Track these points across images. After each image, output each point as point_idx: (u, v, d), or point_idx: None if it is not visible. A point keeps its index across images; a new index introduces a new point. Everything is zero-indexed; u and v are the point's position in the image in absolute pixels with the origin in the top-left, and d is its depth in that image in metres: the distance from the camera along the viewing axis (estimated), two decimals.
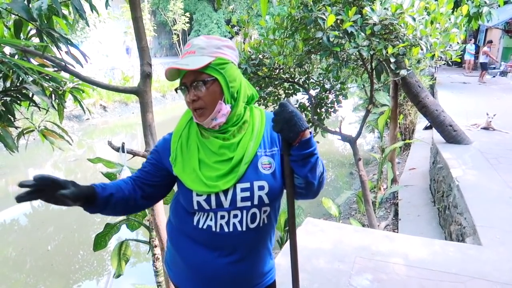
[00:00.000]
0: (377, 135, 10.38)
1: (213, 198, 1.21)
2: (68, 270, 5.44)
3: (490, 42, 15.02)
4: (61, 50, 2.49)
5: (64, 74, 2.72)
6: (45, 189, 1.08)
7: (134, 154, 2.85)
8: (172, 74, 1.22)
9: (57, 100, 2.94)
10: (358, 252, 2.87)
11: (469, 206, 3.54)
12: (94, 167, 9.44)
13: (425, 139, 7.64)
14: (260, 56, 4.47)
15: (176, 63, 1.18)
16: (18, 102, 2.64)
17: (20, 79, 2.60)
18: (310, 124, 4.85)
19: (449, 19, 3.61)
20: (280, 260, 2.74)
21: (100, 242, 3.15)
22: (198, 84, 1.19)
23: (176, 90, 1.26)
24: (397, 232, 4.75)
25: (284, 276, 2.54)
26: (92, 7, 2.75)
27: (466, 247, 3.01)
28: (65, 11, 2.80)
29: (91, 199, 1.18)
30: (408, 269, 2.65)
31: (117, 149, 2.79)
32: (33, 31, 2.49)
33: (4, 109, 2.42)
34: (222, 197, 1.21)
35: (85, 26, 13.70)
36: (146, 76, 2.74)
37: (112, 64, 18.23)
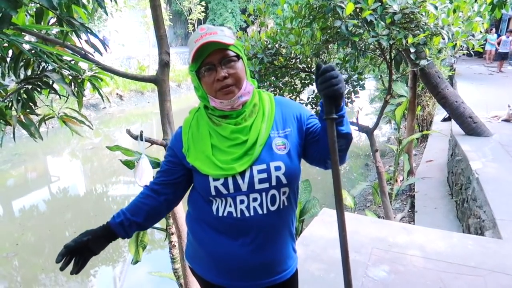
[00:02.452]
0: (393, 126, 10.25)
1: (230, 181, 1.21)
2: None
3: (511, 31, 14.61)
4: (81, 39, 2.51)
5: (82, 63, 2.75)
6: (73, 253, 1.26)
7: (152, 142, 2.87)
8: (200, 53, 1.19)
9: (76, 88, 2.98)
10: (375, 243, 2.86)
11: (489, 199, 3.48)
12: (110, 155, 9.58)
13: (443, 131, 7.51)
14: (277, 45, 4.43)
15: (206, 39, 1.16)
16: (39, 90, 2.67)
17: (41, 67, 2.64)
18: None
19: (472, 8, 3.51)
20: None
21: None
22: (230, 60, 1.20)
23: (196, 71, 1.23)
24: (413, 224, 4.71)
25: (300, 265, 2.54)
26: None
27: (486, 240, 2.96)
28: (84, 0, 2.81)
29: (111, 235, 1.32)
30: (425, 261, 2.63)
31: (135, 137, 2.82)
32: (53, 20, 2.52)
33: (26, 97, 2.46)
34: (240, 180, 1.21)
35: (102, 15, 13.77)
36: (164, 65, 2.74)
37: (128, 54, 18.35)
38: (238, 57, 1.22)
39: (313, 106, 4.97)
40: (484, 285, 2.36)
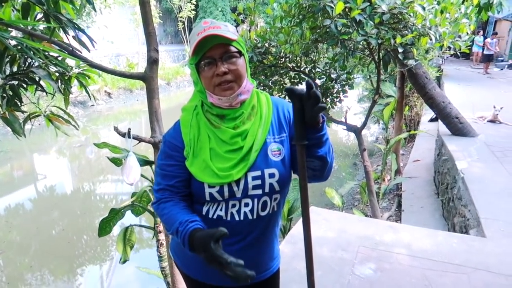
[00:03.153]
0: (381, 126, 10.33)
1: (225, 188, 1.19)
2: (72, 255, 5.49)
3: (495, 34, 14.92)
4: (69, 35, 2.48)
5: (70, 60, 2.72)
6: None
7: (140, 140, 2.85)
8: (201, 46, 1.15)
9: (63, 85, 2.94)
10: (362, 242, 2.88)
11: (473, 198, 3.54)
12: (98, 153, 9.49)
13: (430, 131, 7.60)
14: (266, 44, 4.43)
15: (209, 32, 1.13)
16: (25, 86, 2.64)
17: (27, 63, 2.60)
18: None
19: (459, 9, 3.56)
20: (283, 248, 2.76)
21: (105, 227, 3.17)
22: (232, 56, 1.16)
23: (196, 65, 1.19)
24: (400, 223, 4.76)
25: (287, 263, 2.57)
26: None
27: (470, 238, 3.01)
28: None
29: None
30: (411, 259, 2.66)
31: (123, 135, 2.79)
32: (40, 16, 2.49)
33: (11, 93, 2.42)
34: (235, 187, 1.20)
35: (90, 11, 13.62)
36: (152, 62, 2.72)
37: (117, 51, 18.19)
38: (240, 53, 1.19)
39: None
40: (468, 282, 2.40)
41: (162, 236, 3.31)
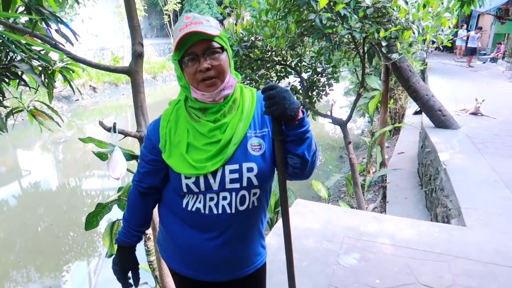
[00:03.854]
0: (367, 119, 10.45)
1: (201, 180, 1.21)
2: (60, 250, 5.45)
3: (480, 28, 15.18)
4: (51, 28, 2.45)
5: (53, 54, 2.68)
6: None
7: (126, 134, 2.84)
8: (183, 42, 1.16)
9: (46, 80, 2.91)
10: (347, 232, 2.94)
11: (455, 189, 3.63)
12: (84, 148, 9.38)
13: (415, 124, 7.72)
14: (252, 38, 4.43)
15: (189, 29, 1.14)
16: (7, 80, 2.60)
17: (9, 57, 2.57)
18: (302, 107, 4.86)
19: (442, 3, 3.62)
20: (270, 240, 2.80)
21: (92, 221, 3.16)
22: (214, 52, 1.17)
23: (179, 60, 1.20)
24: (385, 214, 4.85)
25: (274, 255, 2.60)
26: None
27: (451, 228, 3.10)
28: None
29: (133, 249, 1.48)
30: (394, 248, 2.73)
31: (108, 129, 2.78)
32: (22, 8, 2.45)
33: None
34: (211, 179, 1.21)
35: (73, 3, 13.37)
36: (137, 56, 2.71)
37: (102, 44, 17.93)
38: (223, 49, 1.20)
39: None
40: (449, 270, 2.48)
41: (149, 230, 3.31)
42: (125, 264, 1.45)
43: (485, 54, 16.36)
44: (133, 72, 2.74)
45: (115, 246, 3.35)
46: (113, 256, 1.48)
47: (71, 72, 3.05)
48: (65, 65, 2.99)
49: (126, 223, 1.42)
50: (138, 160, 1.39)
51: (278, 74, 5.07)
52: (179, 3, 20.60)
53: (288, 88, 1.17)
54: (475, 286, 2.33)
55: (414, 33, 3.41)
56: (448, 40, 3.74)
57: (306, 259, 2.60)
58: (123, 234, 1.42)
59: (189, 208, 1.26)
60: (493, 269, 2.49)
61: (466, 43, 15.03)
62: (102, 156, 3.03)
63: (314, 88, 4.95)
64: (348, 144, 4.56)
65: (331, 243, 2.79)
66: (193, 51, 1.17)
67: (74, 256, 5.41)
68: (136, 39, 2.69)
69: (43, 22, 2.36)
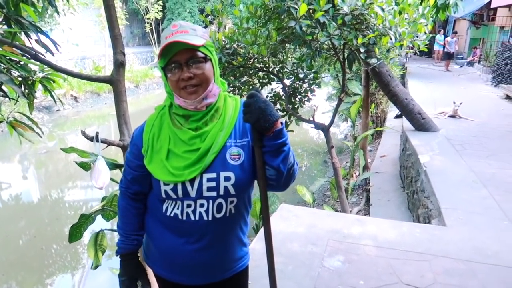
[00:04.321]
0: (350, 123, 10.60)
1: (179, 187, 1.23)
2: (42, 264, 5.35)
3: (455, 33, 15.64)
4: (31, 38, 2.44)
5: (32, 64, 2.67)
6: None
7: (109, 143, 2.83)
8: (167, 50, 1.19)
9: (26, 90, 2.88)
10: (331, 235, 2.98)
11: (435, 190, 3.71)
12: (66, 159, 9.24)
13: (396, 127, 7.87)
14: (235, 45, 4.48)
15: (174, 38, 1.16)
16: None
17: None
18: (285, 113, 4.92)
19: (417, 10, 3.73)
20: (255, 245, 2.82)
21: (75, 233, 3.12)
22: (197, 61, 1.20)
23: (164, 68, 1.22)
24: (369, 217, 4.92)
25: (259, 260, 2.62)
26: None
27: (432, 228, 3.17)
28: None
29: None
30: (377, 250, 2.78)
31: (90, 139, 2.77)
32: (0, 19, 2.43)
33: None
34: (189, 187, 1.23)
35: (53, 13, 13.23)
36: (119, 65, 2.72)
37: (83, 54, 17.75)
38: (207, 58, 1.22)
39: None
40: (430, 269, 2.54)
41: None
42: (131, 272, 1.41)
43: (462, 58, 16.81)
44: (115, 81, 2.75)
45: (100, 257, 3.33)
46: (118, 270, 1.43)
47: (51, 82, 3.03)
48: (46, 75, 2.97)
49: (122, 231, 1.40)
50: (124, 167, 1.40)
51: (261, 80, 5.12)
52: (160, 11, 20.60)
53: (267, 99, 1.20)
54: (455, 284, 2.40)
55: (391, 39, 3.50)
56: (425, 45, 3.86)
57: (291, 263, 2.62)
58: (122, 242, 1.39)
59: (168, 214, 1.29)
60: (472, 266, 2.56)
61: (444, 47, 15.43)
62: (85, 166, 3.01)
63: (297, 94, 5.01)
64: (330, 148, 4.62)
65: (316, 246, 2.82)
66: (176, 59, 1.19)
67: (58, 269, 5.31)
68: (117, 48, 2.70)
69: (22, 32, 2.35)
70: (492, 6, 14.57)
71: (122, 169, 2.81)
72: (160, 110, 1.32)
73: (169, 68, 1.21)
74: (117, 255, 1.41)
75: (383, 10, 3.32)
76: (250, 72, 4.89)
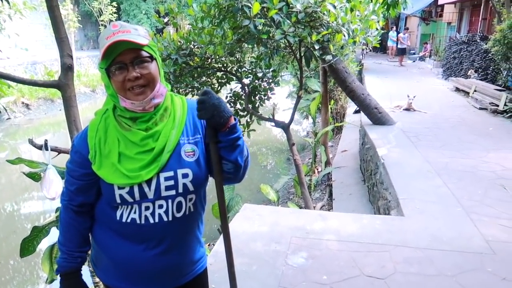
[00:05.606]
0: (311, 120, 10.76)
1: (136, 189, 1.19)
2: None
3: (407, 29, 16.31)
4: None
5: None
6: None
7: (59, 151, 2.71)
8: (111, 50, 1.14)
9: None
10: (294, 233, 2.99)
11: (393, 181, 3.83)
12: (19, 170, 8.77)
13: (355, 122, 8.06)
14: (191, 45, 4.41)
15: (117, 38, 1.12)
16: None
17: None
18: (245, 112, 4.91)
19: (368, 7, 3.82)
20: (218, 247, 2.78)
21: (27, 247, 2.96)
22: (143, 61, 1.17)
23: (107, 69, 1.17)
24: (332, 211, 5.01)
25: (222, 262, 2.57)
26: None
27: (391, 219, 3.26)
28: None
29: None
30: (339, 244, 2.82)
31: (39, 147, 2.64)
32: None
33: None
34: (146, 188, 1.20)
35: None
36: (67, 69, 2.61)
37: (34, 59, 16.93)
38: (152, 58, 1.19)
39: (231, 105, 5.04)
40: (390, 259, 2.60)
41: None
42: None
43: (414, 54, 17.50)
44: (63, 85, 2.63)
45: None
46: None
47: None
48: None
49: (64, 248, 1.31)
50: (65, 177, 1.31)
51: (220, 80, 5.07)
52: (115, 13, 20.02)
53: (220, 96, 1.20)
54: (414, 272, 2.47)
55: (344, 35, 3.57)
56: (377, 42, 3.97)
57: (255, 263, 2.61)
58: (64, 260, 1.31)
59: (123, 220, 1.23)
60: (429, 254, 2.65)
61: (397, 43, 16.02)
62: (35, 177, 2.86)
63: (256, 93, 5.01)
64: (292, 146, 4.66)
65: (279, 245, 2.83)
66: (121, 60, 1.15)
67: (17, 286, 5.04)
68: (64, 51, 2.59)
69: None
70: (440, 2, 15.30)
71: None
72: (103, 114, 1.26)
73: (113, 68, 1.16)
74: (57, 274, 1.32)
75: (335, 7, 3.37)
76: (208, 72, 4.84)
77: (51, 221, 3.08)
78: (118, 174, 1.19)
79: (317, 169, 6.84)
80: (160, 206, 1.22)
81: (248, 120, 5.00)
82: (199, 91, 4.85)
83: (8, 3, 2.59)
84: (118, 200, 1.21)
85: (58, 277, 1.33)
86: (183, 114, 1.28)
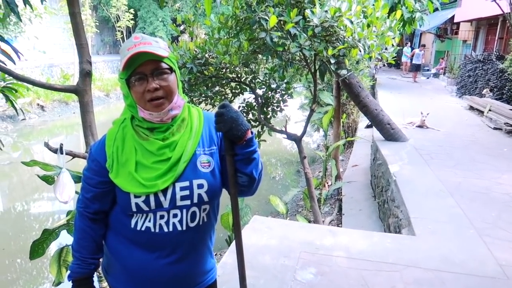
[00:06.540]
0: (322, 133, 10.73)
1: (152, 198, 1.20)
2: (5, 280, 5.09)
3: (423, 46, 16.24)
4: None
5: None
6: None
7: (74, 155, 2.74)
8: (132, 61, 1.17)
9: None
10: (303, 247, 2.96)
11: (404, 199, 3.78)
12: (31, 170, 8.88)
13: (367, 137, 8.02)
14: (206, 55, 4.45)
15: (138, 49, 1.15)
16: None
17: None
18: (257, 123, 4.91)
19: (385, 23, 3.82)
20: (227, 259, 2.76)
21: (37, 249, 2.98)
22: (163, 72, 1.19)
23: (127, 80, 1.20)
24: (341, 227, 4.96)
25: (230, 274, 2.57)
26: (25, 1, 2.60)
27: (402, 237, 3.21)
28: None
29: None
30: (349, 261, 2.78)
31: (54, 151, 2.67)
32: None
33: None
34: (162, 197, 1.21)
35: (18, 21, 12.82)
36: (85, 75, 2.64)
37: (51, 61, 17.24)
38: (171, 70, 1.21)
39: (244, 115, 5.06)
40: (400, 279, 2.56)
41: None
42: None
43: (428, 70, 17.41)
44: (81, 91, 2.66)
45: (64, 273, 3.18)
46: None
47: (13, 91, 2.91)
48: (7, 85, 2.85)
49: (78, 254, 1.33)
50: (82, 185, 1.33)
51: (233, 91, 5.10)
52: (132, 19, 20.35)
53: (239, 110, 1.23)
54: None
55: (360, 51, 3.57)
56: (393, 58, 3.95)
57: (263, 276, 2.58)
58: (77, 266, 1.32)
59: (138, 228, 1.24)
60: (441, 276, 2.59)
61: (411, 60, 15.96)
62: (48, 180, 2.89)
63: (269, 104, 5.02)
64: (303, 159, 4.64)
65: (288, 259, 2.80)
66: (141, 70, 1.18)
67: (23, 286, 5.06)
68: (83, 57, 2.62)
69: None
70: (455, 20, 15.24)
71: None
72: (121, 123, 1.28)
73: (133, 79, 1.19)
74: (69, 280, 1.33)
75: (352, 22, 3.37)
76: (223, 82, 4.87)
77: (61, 224, 3.10)
78: (134, 182, 1.20)
79: (327, 183, 6.79)
80: (175, 216, 1.23)
81: (260, 130, 5.01)
82: (212, 101, 4.88)
83: (31, 6, 2.64)
84: (134, 209, 1.22)
85: (66, 281, 1.34)
86: (200, 125, 1.30)
